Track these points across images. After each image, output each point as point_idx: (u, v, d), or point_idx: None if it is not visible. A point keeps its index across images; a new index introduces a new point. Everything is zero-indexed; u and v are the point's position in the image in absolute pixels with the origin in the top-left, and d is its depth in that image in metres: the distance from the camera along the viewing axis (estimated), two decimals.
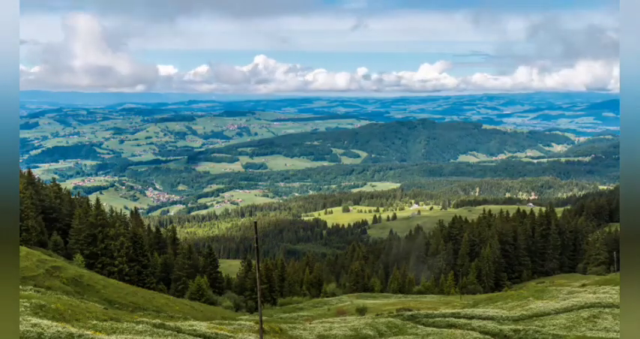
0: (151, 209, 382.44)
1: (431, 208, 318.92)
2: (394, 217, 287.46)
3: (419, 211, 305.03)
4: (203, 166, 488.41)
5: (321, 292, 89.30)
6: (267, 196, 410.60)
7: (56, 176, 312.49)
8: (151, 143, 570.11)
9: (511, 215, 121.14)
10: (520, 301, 41.51)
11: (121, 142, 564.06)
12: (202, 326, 25.42)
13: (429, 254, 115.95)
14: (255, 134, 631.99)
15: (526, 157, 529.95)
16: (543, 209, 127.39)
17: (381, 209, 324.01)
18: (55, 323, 17.94)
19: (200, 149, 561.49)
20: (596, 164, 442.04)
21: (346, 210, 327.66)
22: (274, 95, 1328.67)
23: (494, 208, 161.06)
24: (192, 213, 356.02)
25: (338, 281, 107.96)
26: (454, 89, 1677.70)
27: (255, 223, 21.43)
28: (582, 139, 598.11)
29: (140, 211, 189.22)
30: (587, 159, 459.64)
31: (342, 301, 69.77)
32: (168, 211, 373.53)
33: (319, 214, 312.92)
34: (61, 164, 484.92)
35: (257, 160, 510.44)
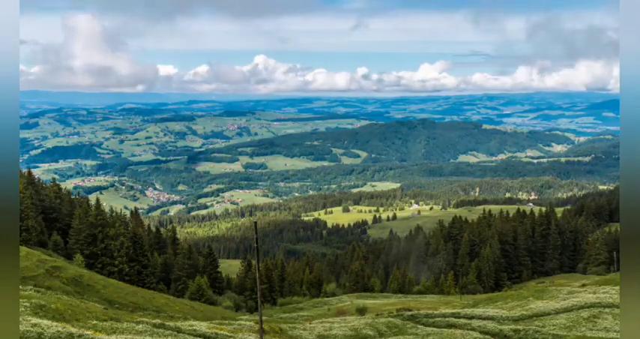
0: (151, 209, 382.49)
1: (431, 208, 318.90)
2: (394, 217, 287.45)
3: (419, 211, 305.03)
4: (203, 166, 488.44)
5: (321, 292, 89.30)
6: (267, 196, 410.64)
7: (56, 176, 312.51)
8: (151, 143, 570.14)
9: (511, 215, 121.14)
10: (520, 301, 41.50)
11: (121, 142, 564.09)
12: (202, 326, 25.42)
13: (429, 254, 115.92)
14: (255, 134, 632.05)
15: (526, 157, 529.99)
16: (543, 209, 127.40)
17: (381, 209, 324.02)
18: (55, 323, 17.94)
19: (200, 149, 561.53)
20: (596, 164, 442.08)
21: (346, 210, 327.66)
22: (274, 95, 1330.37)
23: (494, 208, 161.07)
24: (192, 213, 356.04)
25: (338, 281, 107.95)
26: (454, 89, 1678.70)
27: (255, 223, 21.43)
28: (582, 139, 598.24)
29: (140, 211, 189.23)
30: (587, 159, 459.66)
31: (342, 301, 69.77)
32: (168, 211, 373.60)
33: (319, 214, 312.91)
34: (61, 164, 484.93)
35: (257, 160, 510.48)
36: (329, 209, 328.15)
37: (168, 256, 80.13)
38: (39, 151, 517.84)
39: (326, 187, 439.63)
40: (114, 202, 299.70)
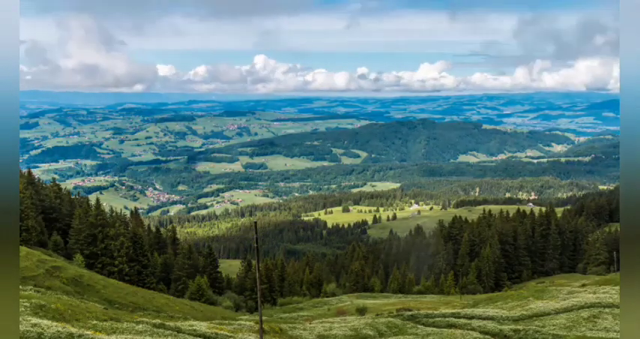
0: (151, 209, 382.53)
1: (431, 208, 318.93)
2: (394, 217, 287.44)
3: (419, 211, 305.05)
4: (203, 166, 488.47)
5: (321, 292, 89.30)
6: (267, 196, 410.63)
7: (56, 176, 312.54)
8: (151, 143, 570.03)
9: (511, 215, 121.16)
10: (520, 301, 41.50)
11: (121, 142, 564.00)
12: (202, 326, 25.42)
13: (429, 254, 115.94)
14: (255, 134, 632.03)
15: (526, 157, 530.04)
16: (543, 209, 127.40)
17: (381, 209, 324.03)
18: (55, 323, 17.94)
19: (200, 149, 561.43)
20: (596, 164, 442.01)
21: (346, 210, 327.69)
22: (274, 95, 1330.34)
23: (494, 208, 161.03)
24: (192, 213, 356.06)
25: (338, 281, 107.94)
26: (454, 89, 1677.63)
27: (255, 223, 21.43)
28: (582, 139, 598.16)
29: (140, 211, 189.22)
30: (587, 159, 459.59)
31: (342, 301, 69.77)
32: (168, 211, 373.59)
33: (319, 214, 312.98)
34: (61, 164, 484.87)
35: (257, 160, 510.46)
36: (329, 209, 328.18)
37: (168, 256, 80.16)
38: (39, 151, 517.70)
39: (326, 187, 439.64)
40: (114, 202, 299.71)
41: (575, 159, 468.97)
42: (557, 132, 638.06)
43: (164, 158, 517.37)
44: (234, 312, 59.39)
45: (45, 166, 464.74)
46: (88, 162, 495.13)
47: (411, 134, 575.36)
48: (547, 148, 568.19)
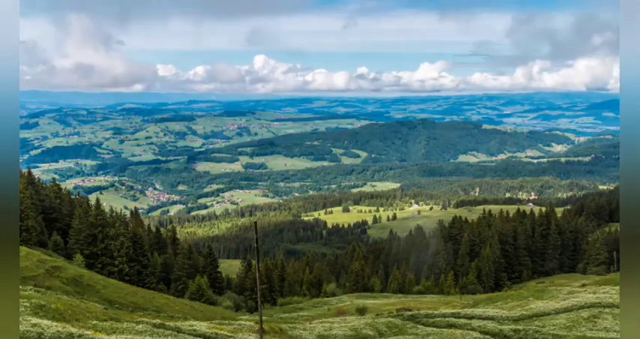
0: (151, 209, 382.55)
1: (431, 208, 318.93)
2: (394, 217, 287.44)
3: (419, 211, 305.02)
4: (203, 166, 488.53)
5: (321, 292, 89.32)
6: (267, 196, 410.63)
7: (56, 176, 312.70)
8: (151, 143, 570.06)
9: (511, 215, 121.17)
10: (520, 301, 41.50)
11: (121, 142, 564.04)
12: (202, 326, 25.42)
13: (429, 254, 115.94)
14: (255, 134, 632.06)
15: (526, 157, 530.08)
16: (543, 209, 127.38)
17: (381, 209, 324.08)
18: (55, 323, 17.94)
19: (200, 149, 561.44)
20: (596, 164, 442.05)
21: (346, 210, 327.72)
22: (274, 95, 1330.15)
23: (494, 208, 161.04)
24: (192, 213, 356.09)
25: (338, 281, 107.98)
26: (454, 89, 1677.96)
27: (255, 223, 21.43)
28: (582, 139, 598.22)
29: (140, 211, 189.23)
30: (587, 159, 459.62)
31: (342, 301, 69.77)
32: (168, 211, 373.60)
33: (319, 214, 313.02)
34: (61, 164, 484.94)
35: (257, 160, 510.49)
36: (329, 209, 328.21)
37: (168, 256, 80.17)
38: (39, 151, 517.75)
39: (326, 187, 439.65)
40: (114, 202, 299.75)
41: (575, 159, 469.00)
42: (557, 132, 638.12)
43: (164, 158, 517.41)
44: (234, 312, 59.39)
45: (45, 166, 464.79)
46: (88, 162, 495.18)
47: (411, 134, 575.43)
48: (547, 148, 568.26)
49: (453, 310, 39.85)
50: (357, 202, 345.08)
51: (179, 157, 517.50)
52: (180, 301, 51.63)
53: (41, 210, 68.91)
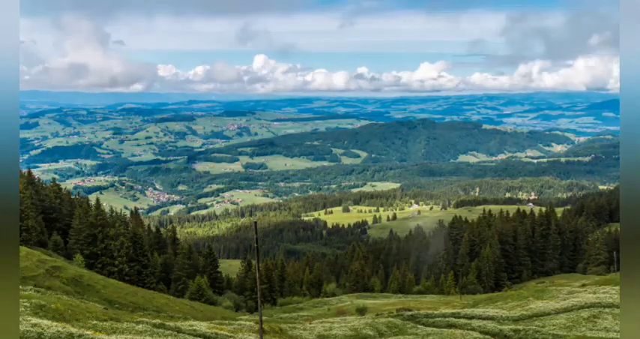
0: (151, 209, 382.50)
1: (431, 208, 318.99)
2: (394, 217, 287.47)
3: (419, 211, 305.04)
4: (203, 166, 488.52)
5: (321, 292, 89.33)
6: (267, 196, 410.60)
7: (56, 176, 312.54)
8: (151, 143, 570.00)
9: (511, 215, 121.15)
10: (520, 301, 41.50)
11: (121, 142, 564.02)
12: (202, 326, 25.42)
13: (429, 254, 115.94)
14: (255, 134, 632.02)
15: (526, 157, 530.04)
16: (543, 209, 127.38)
17: (381, 209, 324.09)
18: (55, 323, 17.94)
19: (200, 149, 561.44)
20: (596, 164, 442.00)
21: (346, 210, 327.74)
22: (274, 95, 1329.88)
23: (494, 208, 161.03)
24: (192, 213, 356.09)
25: (338, 281, 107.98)
26: (454, 89, 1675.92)
27: (255, 223, 21.42)
28: (582, 139, 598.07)
29: (140, 211, 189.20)
30: (587, 159, 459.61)
31: (342, 301, 69.78)
32: (168, 211, 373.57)
33: (319, 214, 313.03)
34: (61, 164, 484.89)
35: (257, 160, 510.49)
36: (329, 209, 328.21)
37: (168, 256, 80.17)
38: (39, 151, 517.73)
39: (326, 187, 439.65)
40: (114, 202, 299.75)
41: (575, 159, 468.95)
42: (557, 132, 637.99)
43: (164, 158, 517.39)
44: (234, 312, 59.40)
45: (45, 166, 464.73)
46: (88, 162, 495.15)
47: (411, 134, 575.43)
48: (547, 148, 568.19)
49: (453, 310, 39.85)
50: (357, 202, 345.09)
51: (179, 157, 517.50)
52: (180, 301, 51.63)
53: (41, 210, 68.91)
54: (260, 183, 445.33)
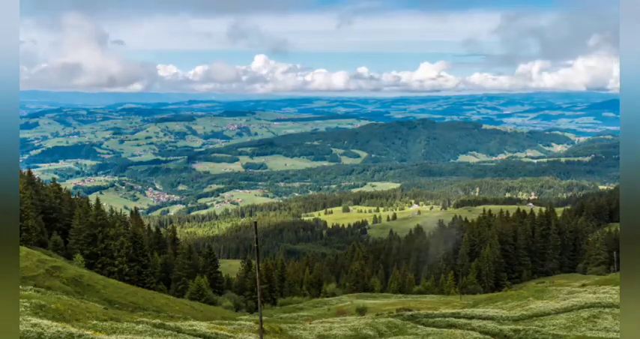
0: (151, 209, 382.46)
1: (431, 208, 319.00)
2: (394, 217, 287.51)
3: (419, 211, 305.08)
4: (203, 166, 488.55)
5: (321, 292, 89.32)
6: (267, 196, 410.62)
7: (56, 176, 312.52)
8: (151, 143, 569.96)
9: (511, 215, 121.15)
10: (520, 301, 41.50)
11: (121, 142, 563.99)
12: (202, 326, 25.42)
13: (429, 254, 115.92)
14: (255, 134, 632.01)
15: (526, 157, 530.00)
16: (543, 209, 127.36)
17: (381, 209, 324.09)
18: (55, 323, 17.94)
19: (200, 149, 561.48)
20: (596, 164, 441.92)
21: (346, 210, 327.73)
22: (274, 95, 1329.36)
23: (494, 208, 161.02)
24: (192, 213, 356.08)
25: (338, 281, 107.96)
26: (454, 89, 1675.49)
27: (255, 223, 21.42)
28: (582, 139, 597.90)
29: (140, 211, 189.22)
30: (587, 159, 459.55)
31: (342, 301, 69.77)
32: (168, 211, 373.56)
33: (319, 214, 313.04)
34: (61, 164, 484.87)
35: (257, 160, 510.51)
36: (329, 209, 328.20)
37: (168, 256, 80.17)
38: (39, 151, 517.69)
39: (326, 187, 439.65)
40: (114, 202, 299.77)
41: (575, 159, 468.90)
42: (557, 132, 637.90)
43: (164, 158, 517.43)
44: (234, 312, 59.39)
45: (45, 166, 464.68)
46: (88, 162, 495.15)
47: (411, 134, 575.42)
48: (547, 148, 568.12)
49: (453, 310, 39.85)
50: (357, 202, 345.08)
51: (179, 157, 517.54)
52: (180, 301, 51.63)
53: (41, 210, 68.92)
54: (260, 183, 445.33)
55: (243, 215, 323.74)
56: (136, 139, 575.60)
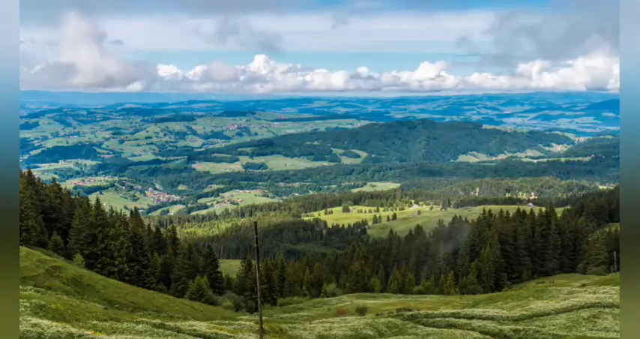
0: (151, 209, 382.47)
1: (431, 208, 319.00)
2: (394, 217, 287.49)
3: (419, 211, 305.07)
4: (203, 166, 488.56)
5: (321, 292, 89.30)
6: (267, 196, 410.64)
7: (56, 176, 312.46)
8: (151, 143, 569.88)
9: (511, 215, 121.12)
10: (520, 301, 41.51)
11: (121, 142, 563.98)
12: (202, 326, 25.42)
13: (429, 254, 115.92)
14: (255, 134, 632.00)
15: (526, 157, 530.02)
16: (543, 209, 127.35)
17: (381, 209, 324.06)
18: (55, 323, 17.94)
19: (200, 149, 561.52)
20: (596, 164, 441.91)
21: (346, 210, 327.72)
22: (274, 95, 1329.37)
23: (494, 208, 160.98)
24: (192, 213, 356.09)
25: (338, 281, 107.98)
26: (454, 89, 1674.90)
27: (255, 223, 21.43)
28: (582, 139, 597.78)
29: (140, 211, 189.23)
30: (587, 159, 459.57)
31: (342, 301, 69.77)
32: (168, 211, 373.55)
33: (319, 214, 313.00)
34: (61, 164, 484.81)
35: (257, 160, 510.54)
36: (329, 209, 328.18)
37: (168, 256, 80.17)
38: (39, 151, 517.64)
39: (326, 187, 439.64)
40: (114, 202, 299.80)
41: (575, 159, 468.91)
42: (557, 132, 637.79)
43: (164, 158, 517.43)
44: (234, 312, 59.40)
45: (45, 166, 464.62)
46: (88, 162, 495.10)
47: (411, 134, 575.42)
48: (547, 148, 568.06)
49: (453, 310, 39.85)
50: (357, 202, 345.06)
51: (179, 157, 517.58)
52: (180, 301, 51.63)
53: (41, 210, 68.92)
54: (260, 183, 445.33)
55: (243, 215, 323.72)
56: (136, 139, 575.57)
